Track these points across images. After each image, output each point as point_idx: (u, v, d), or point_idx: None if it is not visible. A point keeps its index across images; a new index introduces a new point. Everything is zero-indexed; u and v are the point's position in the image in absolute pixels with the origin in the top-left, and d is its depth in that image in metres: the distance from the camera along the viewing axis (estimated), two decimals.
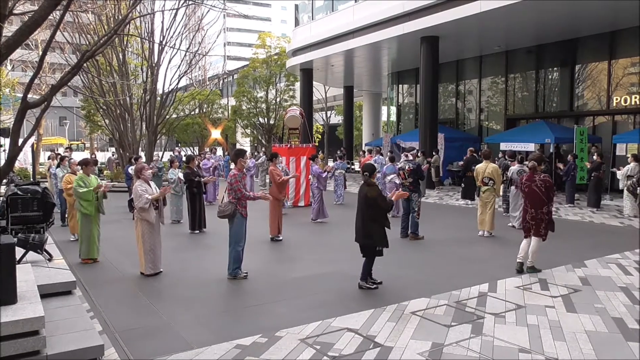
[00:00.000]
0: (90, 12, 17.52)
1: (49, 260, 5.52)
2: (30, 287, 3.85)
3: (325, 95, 34.53)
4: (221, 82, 42.82)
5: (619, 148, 14.62)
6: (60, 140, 40.73)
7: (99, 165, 21.33)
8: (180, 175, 10.76)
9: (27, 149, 17.63)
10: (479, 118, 20.83)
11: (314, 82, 25.79)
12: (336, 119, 40.21)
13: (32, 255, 5.19)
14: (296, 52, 24.16)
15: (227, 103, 36.69)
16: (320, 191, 11.13)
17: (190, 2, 17.53)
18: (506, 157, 11.76)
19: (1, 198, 5.95)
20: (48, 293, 4.54)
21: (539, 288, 5.93)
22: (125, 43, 20.32)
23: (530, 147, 15.51)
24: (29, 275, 4.19)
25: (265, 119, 31.48)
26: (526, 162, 8.01)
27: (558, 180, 14.00)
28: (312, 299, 5.62)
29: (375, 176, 6.11)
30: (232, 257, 6.49)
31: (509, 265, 6.82)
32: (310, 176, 12.09)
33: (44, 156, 27.67)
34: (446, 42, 17.00)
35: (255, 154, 22.01)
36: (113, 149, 28.10)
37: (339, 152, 20.53)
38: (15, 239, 4.35)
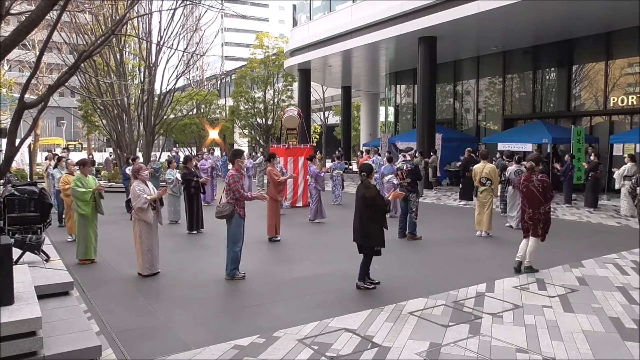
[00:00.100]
0: (87, 12, 17.47)
1: (46, 261, 5.51)
2: (27, 288, 3.84)
3: (323, 95, 34.54)
4: (219, 82, 42.80)
5: (615, 148, 14.67)
6: (58, 141, 40.60)
7: (96, 165, 21.27)
8: (178, 175, 10.74)
9: (24, 150, 17.57)
10: (477, 118, 20.86)
11: (311, 83, 25.78)
12: (334, 119, 40.23)
13: (29, 256, 5.18)
14: (294, 52, 24.16)
15: (225, 103, 36.67)
16: (318, 191, 11.13)
17: (187, 3, 17.51)
18: (504, 157, 11.79)
19: None
20: (45, 294, 4.53)
21: (536, 288, 5.94)
22: (122, 43, 20.30)
23: (528, 147, 15.54)
24: (26, 276, 4.19)
25: (263, 120, 31.46)
26: (524, 162, 8.04)
27: (555, 180, 14.04)
28: (310, 299, 5.62)
29: (372, 176, 6.11)
30: (230, 258, 6.48)
31: (507, 265, 6.84)
32: (308, 176, 12.10)
33: (41, 157, 27.57)
34: (444, 43, 17.02)
35: (253, 154, 22.00)
36: (110, 150, 28.08)
37: (337, 152, 20.55)
38: (13, 240, 4.34)
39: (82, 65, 7.60)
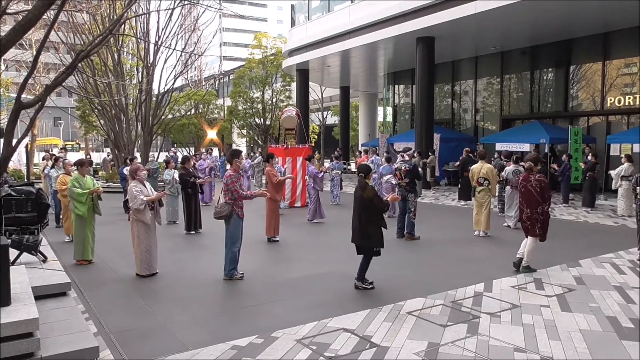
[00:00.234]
0: (85, 11, 17.42)
1: (44, 261, 5.49)
2: (24, 288, 3.83)
3: (322, 95, 34.54)
4: (217, 82, 42.77)
5: (612, 148, 14.72)
6: (55, 141, 40.54)
7: (94, 165, 21.22)
8: (176, 175, 10.73)
9: (21, 150, 17.54)
10: (475, 118, 20.90)
11: (310, 83, 25.80)
12: (332, 119, 40.24)
13: (26, 256, 5.16)
14: (292, 52, 24.16)
15: (223, 103, 36.63)
16: (317, 192, 11.13)
17: (186, 2, 17.49)
18: (502, 157, 11.81)
19: None
20: (42, 294, 4.51)
21: (534, 287, 5.96)
22: (120, 43, 20.25)
23: (526, 147, 15.57)
24: (23, 276, 4.17)
25: (262, 120, 31.44)
26: (522, 163, 8.05)
27: (553, 180, 14.07)
28: (309, 300, 5.62)
29: (370, 177, 6.11)
30: (228, 258, 6.47)
31: (505, 265, 6.85)
32: (306, 177, 12.09)
33: (38, 157, 27.49)
34: (442, 43, 17.04)
35: (252, 154, 21.99)
36: (108, 150, 28.02)
37: (335, 152, 20.54)
38: (9, 240, 4.33)
39: (79, 65, 7.58)
